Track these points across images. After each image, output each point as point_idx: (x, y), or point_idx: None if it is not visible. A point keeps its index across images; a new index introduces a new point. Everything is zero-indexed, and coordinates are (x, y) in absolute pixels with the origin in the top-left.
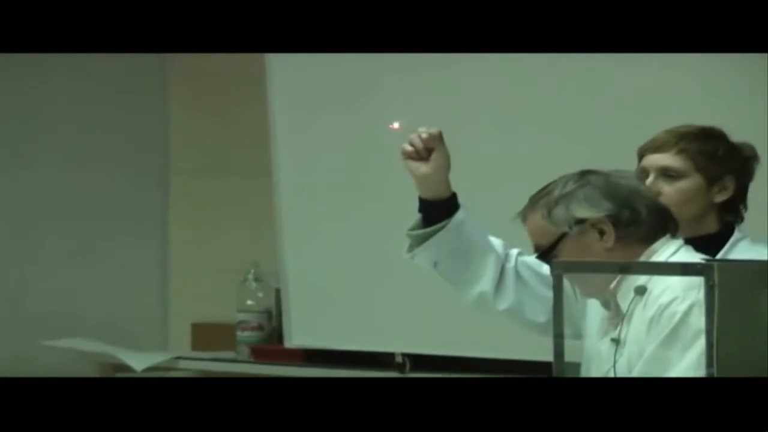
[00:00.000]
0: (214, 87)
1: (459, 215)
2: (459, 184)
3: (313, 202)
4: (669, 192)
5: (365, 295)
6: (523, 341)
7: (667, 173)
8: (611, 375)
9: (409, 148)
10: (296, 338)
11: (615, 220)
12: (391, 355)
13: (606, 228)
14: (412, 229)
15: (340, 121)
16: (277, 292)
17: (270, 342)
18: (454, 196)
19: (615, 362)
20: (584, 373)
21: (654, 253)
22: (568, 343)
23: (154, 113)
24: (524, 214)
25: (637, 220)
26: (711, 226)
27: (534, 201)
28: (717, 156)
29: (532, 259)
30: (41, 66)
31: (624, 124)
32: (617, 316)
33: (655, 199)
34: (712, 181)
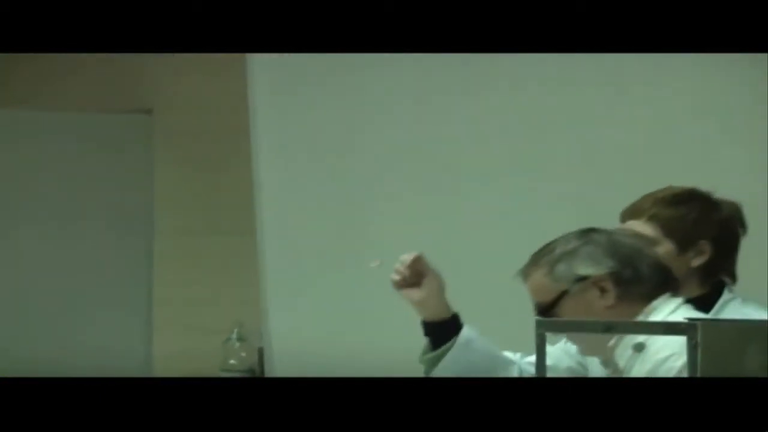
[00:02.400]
0: (198, 146)
1: (465, 332)
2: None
3: (297, 261)
4: None
5: (349, 355)
6: None
7: None
8: None
9: (397, 277)
10: None
11: (616, 278)
12: None
13: (607, 286)
14: (423, 353)
15: (324, 179)
16: (260, 351)
17: None
18: (455, 316)
19: None
20: None
21: (653, 310)
22: None
23: (138, 171)
24: (525, 272)
25: (638, 279)
26: (694, 289)
27: (536, 259)
28: (688, 221)
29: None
30: (25, 122)
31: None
32: (615, 372)
33: (657, 258)
34: (684, 246)
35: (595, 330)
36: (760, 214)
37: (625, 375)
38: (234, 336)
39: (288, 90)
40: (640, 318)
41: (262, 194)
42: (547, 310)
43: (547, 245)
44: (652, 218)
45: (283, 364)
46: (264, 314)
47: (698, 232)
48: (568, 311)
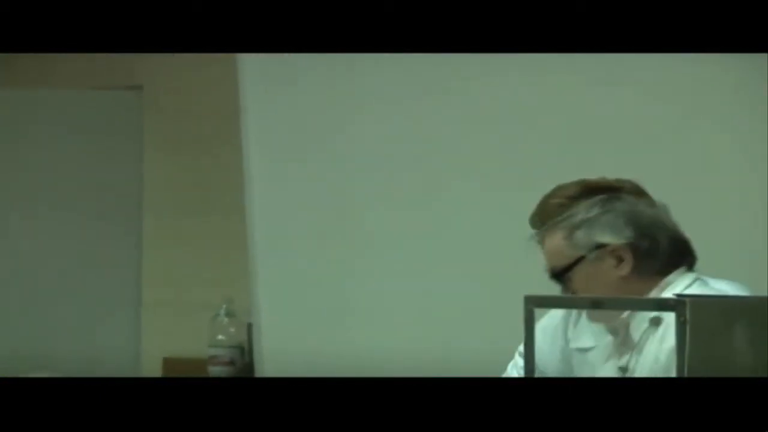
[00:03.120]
0: (188, 125)
1: None
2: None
3: (285, 239)
4: None
5: (337, 330)
6: (495, 362)
7: None
8: None
9: None
10: (268, 373)
11: (634, 248)
12: None
13: (624, 255)
14: None
15: (314, 160)
16: (249, 326)
17: (243, 377)
18: None
19: None
20: None
21: (669, 285)
22: None
23: (128, 151)
24: (542, 235)
25: (655, 251)
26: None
27: (555, 223)
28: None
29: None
30: (14, 99)
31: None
32: (626, 345)
33: (677, 231)
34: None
35: (582, 306)
36: (761, 214)
37: (637, 348)
38: (222, 312)
39: (279, 70)
40: (654, 292)
41: (251, 172)
42: (560, 274)
43: (568, 209)
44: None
45: (271, 341)
46: (253, 290)
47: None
48: (582, 278)
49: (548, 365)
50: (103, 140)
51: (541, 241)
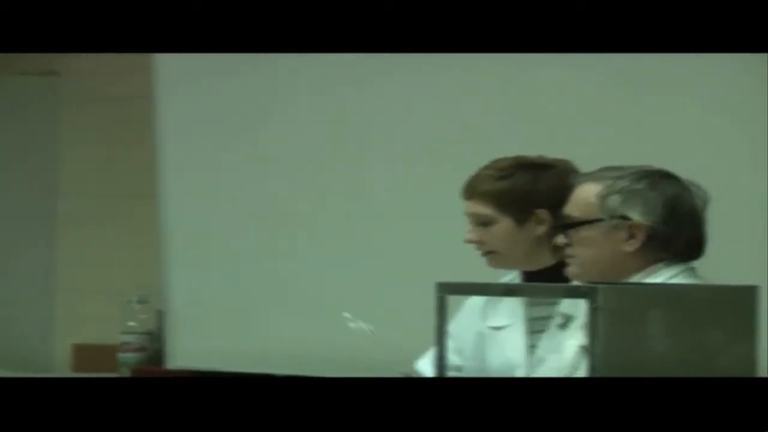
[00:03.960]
0: (104, 112)
1: None
2: None
3: (198, 227)
4: (486, 238)
5: (249, 317)
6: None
7: (478, 221)
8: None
9: None
10: (179, 360)
11: (653, 231)
12: None
13: (638, 234)
14: None
15: (226, 142)
16: (161, 313)
17: (152, 364)
18: None
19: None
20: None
21: (652, 274)
22: None
23: (43, 137)
24: (581, 180)
25: (670, 242)
26: (548, 259)
27: (600, 176)
28: (516, 191)
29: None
30: None
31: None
32: (538, 324)
33: (702, 229)
34: (522, 218)
35: (495, 293)
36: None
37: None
38: (134, 298)
39: (194, 59)
40: (639, 276)
41: (165, 159)
42: (570, 226)
43: (619, 168)
44: (483, 197)
45: (182, 327)
46: (165, 277)
47: (532, 202)
48: (588, 238)
49: (465, 345)
50: (18, 126)
51: (576, 184)
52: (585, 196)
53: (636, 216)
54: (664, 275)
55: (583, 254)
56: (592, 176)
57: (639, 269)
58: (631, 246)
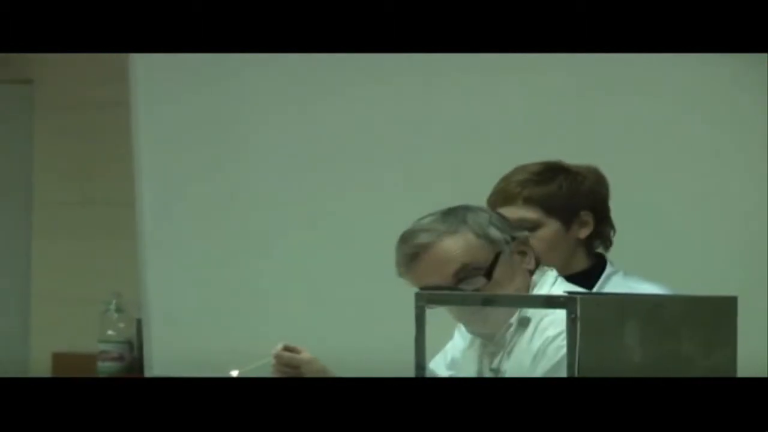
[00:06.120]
0: (78, 117)
1: None
2: None
3: (175, 232)
4: (533, 243)
5: (228, 327)
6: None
7: (523, 225)
8: None
9: (277, 374)
10: (157, 369)
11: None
12: None
13: (527, 249)
14: None
15: (203, 151)
16: (139, 322)
17: (131, 373)
18: None
19: None
20: None
21: (535, 285)
22: None
23: (18, 144)
24: (433, 241)
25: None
26: (581, 263)
27: (436, 228)
28: (563, 194)
29: None
30: None
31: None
32: (497, 346)
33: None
34: (568, 221)
35: (474, 303)
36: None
37: (507, 350)
38: (112, 307)
39: (171, 62)
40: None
41: (141, 166)
42: (489, 273)
43: (433, 215)
44: (528, 201)
45: (160, 336)
46: (142, 285)
47: (577, 203)
48: (502, 274)
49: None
50: None
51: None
52: (470, 244)
53: (516, 233)
54: (544, 287)
55: (503, 290)
56: (431, 234)
57: (527, 287)
58: (530, 262)
